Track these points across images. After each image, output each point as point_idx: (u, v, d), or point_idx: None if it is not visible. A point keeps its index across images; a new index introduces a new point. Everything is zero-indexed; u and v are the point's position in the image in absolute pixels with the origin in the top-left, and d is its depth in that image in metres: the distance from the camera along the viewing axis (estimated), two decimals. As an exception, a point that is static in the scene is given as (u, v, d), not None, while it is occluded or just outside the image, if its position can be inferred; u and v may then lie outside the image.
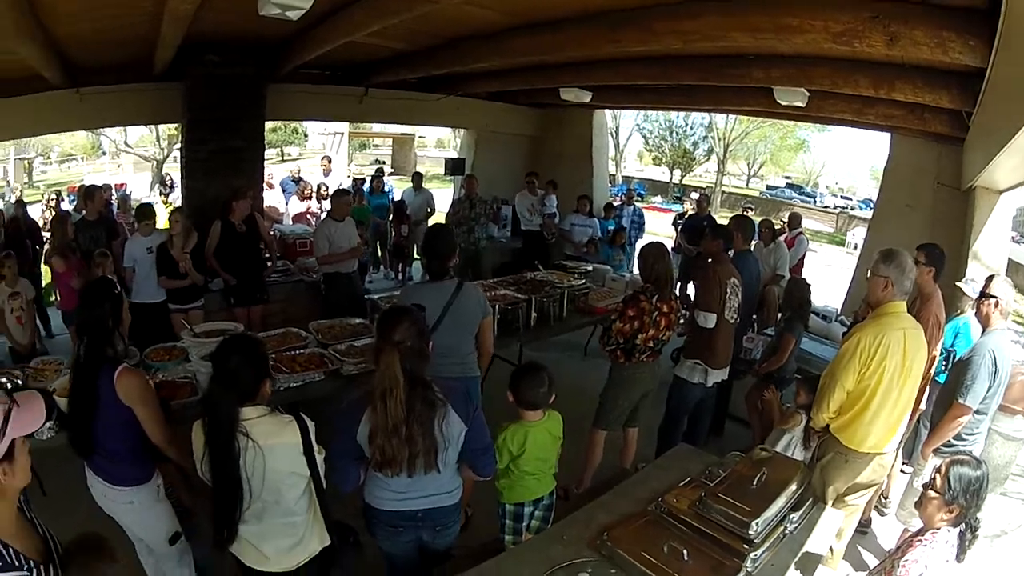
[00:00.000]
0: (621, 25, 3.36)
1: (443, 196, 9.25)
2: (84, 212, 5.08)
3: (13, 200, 8.42)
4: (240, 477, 1.77)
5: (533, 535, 2.37)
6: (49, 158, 26.33)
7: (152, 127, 16.91)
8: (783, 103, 4.16)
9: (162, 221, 4.86)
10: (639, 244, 6.26)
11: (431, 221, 7.54)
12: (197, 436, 1.85)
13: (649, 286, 3.22)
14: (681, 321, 3.52)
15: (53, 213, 6.41)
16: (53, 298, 5.37)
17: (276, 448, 1.80)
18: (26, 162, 23.43)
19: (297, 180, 7.73)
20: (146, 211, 4.63)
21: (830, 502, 2.37)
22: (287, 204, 7.51)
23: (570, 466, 2.86)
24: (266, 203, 6.38)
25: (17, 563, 1.20)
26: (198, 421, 1.89)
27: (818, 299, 4.27)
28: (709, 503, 1.90)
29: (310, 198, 7.29)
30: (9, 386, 2.52)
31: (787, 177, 25.26)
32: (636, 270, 4.16)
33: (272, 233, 5.33)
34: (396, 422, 1.81)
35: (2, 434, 1.20)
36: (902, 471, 3.24)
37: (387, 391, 1.82)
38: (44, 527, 1.39)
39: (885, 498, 3.30)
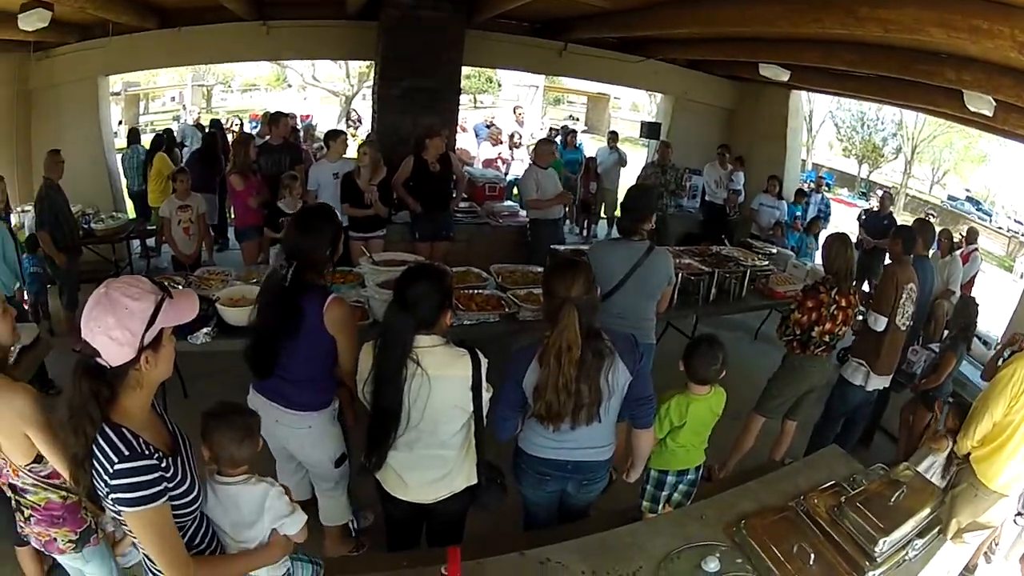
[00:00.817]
0: (826, 5, 5.22)
1: (635, 159, 14.64)
2: (268, 136, 8.72)
3: (191, 122, 14.29)
4: (401, 404, 2.90)
5: (673, 508, 3.70)
6: (230, 86, 39.41)
7: (341, 64, 26.53)
8: (972, 109, 6.03)
9: (349, 153, 8.41)
10: (823, 235, 8.66)
11: (621, 181, 11.91)
12: (365, 358, 3.04)
13: (830, 277, 4.84)
14: (858, 318, 5.26)
15: (235, 135, 10.97)
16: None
17: (445, 379, 2.90)
18: (205, 89, 35.68)
19: (490, 126, 12.45)
20: (337, 134, 8.01)
21: (950, 535, 3.36)
22: (479, 148, 12.30)
23: (717, 446, 4.18)
24: (458, 146, 10.44)
25: (147, 452, 2.02)
26: (368, 343, 3.08)
27: (981, 323, 5.93)
28: (846, 510, 2.87)
29: (501, 143, 11.71)
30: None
31: (967, 190, 33.53)
32: (819, 260, 6.31)
33: (464, 175, 8.71)
34: (567, 380, 2.92)
35: (151, 322, 2.00)
36: (1015, 521, 4.46)
37: (563, 350, 2.90)
38: (173, 423, 2.32)
39: (996, 544, 4.58)
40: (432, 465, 3.11)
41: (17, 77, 9.84)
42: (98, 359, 1.99)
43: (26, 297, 6.99)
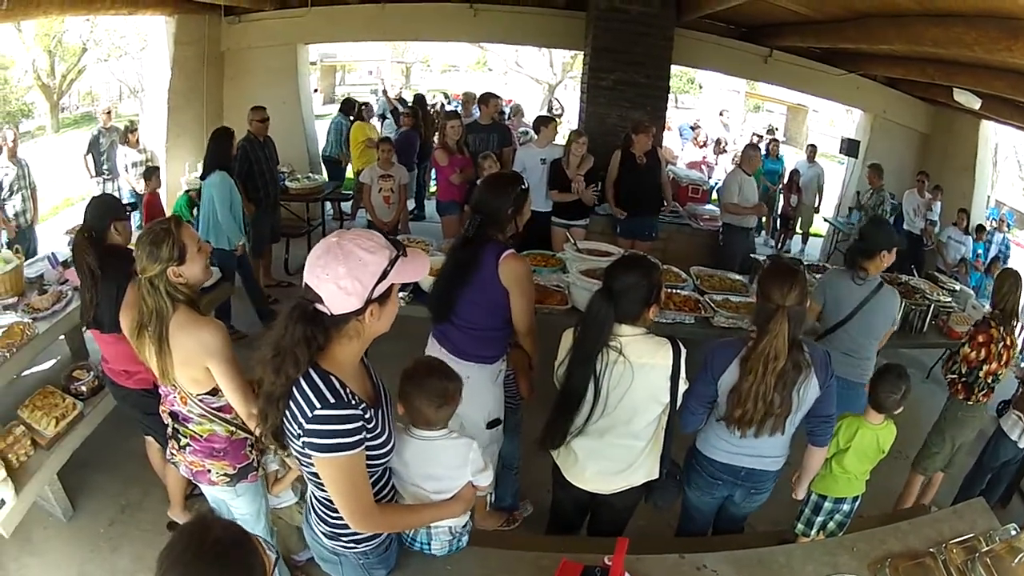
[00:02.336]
0: (1015, 32, 5.17)
1: (833, 174, 14.70)
2: (478, 115, 9.34)
3: (382, 98, 15.54)
4: (587, 390, 3.10)
5: (826, 536, 3.87)
6: (429, 66, 42.54)
7: (545, 52, 27.79)
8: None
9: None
10: (1000, 277, 8.37)
11: (817, 199, 12.35)
12: (565, 342, 3.25)
13: (998, 313, 4.84)
14: (1021, 365, 5.40)
15: (437, 112, 12.09)
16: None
17: (647, 367, 3.06)
18: (405, 66, 38.69)
19: (694, 128, 11.77)
20: (547, 120, 8.53)
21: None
22: (683, 148, 12.87)
23: (869, 485, 4.11)
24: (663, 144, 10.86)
25: (352, 402, 2.22)
26: (570, 329, 3.27)
27: None
28: (976, 566, 2.98)
29: (705, 147, 10.90)
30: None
31: None
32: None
33: (668, 175, 9.12)
34: (767, 389, 3.07)
35: (384, 277, 2.16)
36: None
37: (770, 359, 3.06)
38: (377, 374, 2.54)
39: None
40: (618, 455, 3.27)
41: (207, 37, 10.96)
42: (318, 305, 2.15)
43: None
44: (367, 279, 2.11)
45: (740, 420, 3.17)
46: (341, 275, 2.08)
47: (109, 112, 11.08)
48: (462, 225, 7.72)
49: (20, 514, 4.29)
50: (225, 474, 3.32)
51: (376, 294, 2.15)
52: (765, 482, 3.53)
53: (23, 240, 8.50)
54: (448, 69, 43.88)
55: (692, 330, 5.32)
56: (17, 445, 4.42)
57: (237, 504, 3.49)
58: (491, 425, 4.04)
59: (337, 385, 2.18)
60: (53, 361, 6.48)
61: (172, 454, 3.43)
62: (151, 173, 8.69)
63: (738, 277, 6.11)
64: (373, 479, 2.41)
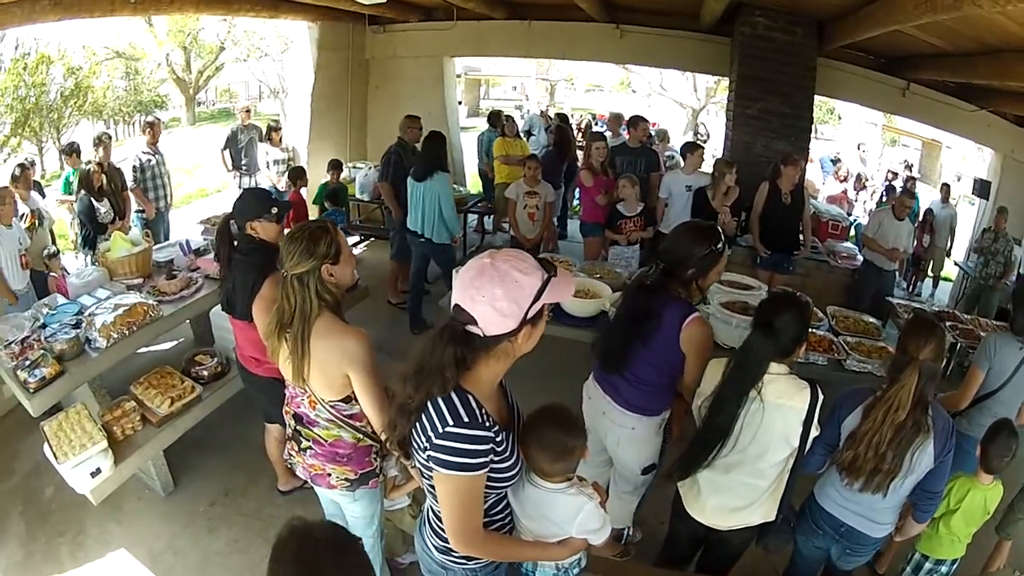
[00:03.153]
0: None
1: (965, 215, 14.43)
2: (626, 137, 9.51)
3: (538, 112, 15.84)
4: (733, 428, 3.13)
5: None
6: (573, 84, 44.05)
7: (689, 76, 27.90)
8: None
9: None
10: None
11: (949, 241, 12.18)
12: (711, 373, 3.31)
13: None
14: None
15: (582, 132, 11.24)
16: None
17: (782, 408, 3.10)
18: (549, 83, 39.71)
19: (835, 161, 11.54)
20: (695, 147, 8.76)
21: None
22: (823, 182, 12.77)
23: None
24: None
25: (487, 423, 2.27)
26: (716, 359, 3.37)
27: None
28: None
29: (846, 181, 10.61)
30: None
31: None
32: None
33: (810, 209, 9.13)
34: (881, 439, 3.11)
35: (538, 298, 2.21)
36: None
37: (892, 409, 3.10)
38: (513, 396, 2.59)
39: None
40: (740, 494, 3.33)
41: (352, 45, 11.67)
42: (470, 326, 2.21)
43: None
44: (523, 300, 2.17)
45: (850, 466, 3.20)
46: (498, 297, 2.15)
47: (248, 110, 11.75)
48: (603, 247, 7.97)
49: (115, 484, 4.60)
50: (346, 479, 3.41)
51: (531, 315, 2.20)
52: (865, 546, 3.54)
53: (158, 225, 9.13)
54: (592, 88, 45.02)
55: (823, 371, 5.26)
56: (125, 419, 4.75)
57: (352, 508, 3.61)
58: (646, 471, 4.13)
59: (474, 405, 2.25)
60: (173, 343, 6.97)
61: (290, 455, 3.56)
62: (298, 174, 9.36)
63: (873, 320, 6.02)
64: (492, 501, 2.51)
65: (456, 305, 2.23)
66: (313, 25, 11.07)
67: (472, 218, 11.66)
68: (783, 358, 3.15)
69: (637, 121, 9.40)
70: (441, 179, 7.42)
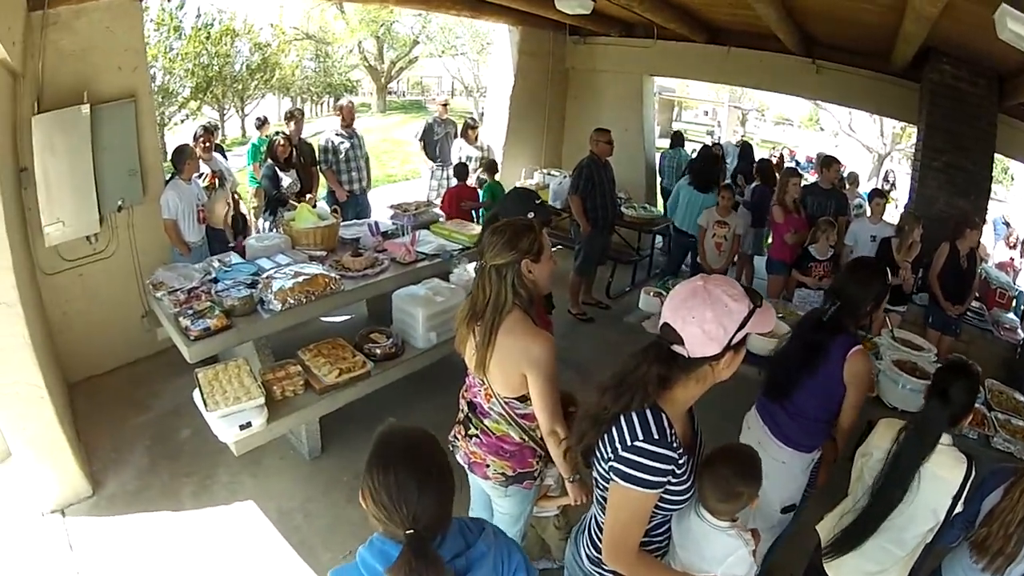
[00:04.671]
0: None
1: None
2: (819, 178, 9.48)
3: (734, 142, 16.69)
4: (901, 501, 3.16)
5: None
6: (763, 115, 43.75)
7: (876, 119, 27.97)
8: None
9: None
10: None
11: None
12: (882, 434, 3.38)
13: None
14: None
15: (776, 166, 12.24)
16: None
17: (938, 480, 3.13)
18: (741, 112, 40.15)
19: (1007, 224, 10.87)
20: (880, 195, 8.84)
21: None
22: (994, 246, 12.34)
23: None
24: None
25: (674, 444, 2.35)
26: (886, 420, 3.45)
27: None
28: None
29: (1015, 248, 10.31)
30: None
31: None
32: None
33: (981, 273, 9.07)
34: (1014, 519, 3.05)
35: (743, 325, 2.30)
36: None
37: None
38: (698, 423, 2.68)
39: None
40: (878, 558, 3.33)
41: (552, 53, 12.00)
42: (675, 346, 2.31)
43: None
44: (730, 326, 2.25)
45: (981, 544, 3.14)
46: (708, 319, 2.24)
47: (446, 104, 12.09)
48: (786, 287, 8.07)
49: (261, 440, 4.95)
50: (503, 474, 3.52)
51: (735, 341, 2.29)
52: None
53: (355, 206, 9.64)
54: (781, 122, 44.36)
55: (971, 445, 5.05)
56: (287, 381, 5.11)
57: (501, 503, 3.72)
58: (786, 511, 4.15)
59: (666, 424, 2.33)
60: (344, 318, 7.44)
61: (455, 437, 3.69)
62: (491, 167, 10.00)
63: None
64: (657, 522, 2.58)
65: (665, 324, 2.34)
66: (514, 29, 11.42)
67: (659, 238, 11.74)
68: (950, 427, 3.19)
69: (830, 162, 9.40)
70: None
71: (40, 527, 5.09)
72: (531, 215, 4.43)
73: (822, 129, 39.83)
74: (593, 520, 2.72)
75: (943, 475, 3.10)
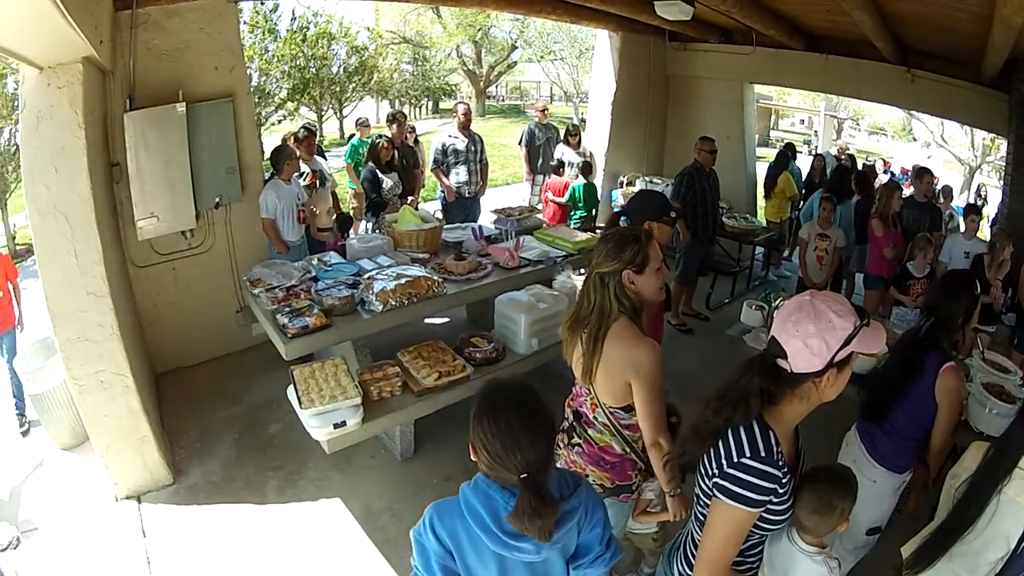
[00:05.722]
0: None
1: None
2: (913, 191, 9.29)
3: (833, 151, 16.05)
4: (980, 519, 3.00)
5: None
6: (858, 124, 43.46)
7: (967, 129, 27.58)
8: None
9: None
10: None
11: None
12: (972, 459, 3.17)
13: None
14: None
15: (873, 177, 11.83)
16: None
17: (1015, 506, 2.97)
18: (836, 121, 39.70)
19: None
20: (976, 210, 8.91)
21: None
22: None
23: None
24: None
25: (780, 463, 2.31)
26: (977, 442, 3.22)
27: None
28: None
29: None
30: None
31: None
32: None
33: None
34: None
35: (847, 343, 2.25)
36: None
37: None
38: (801, 442, 2.64)
39: None
40: None
41: (652, 59, 11.88)
42: (780, 360, 2.31)
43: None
44: (833, 342, 2.22)
45: None
46: (811, 334, 2.23)
47: (545, 109, 12.16)
48: (882, 303, 7.98)
49: (354, 440, 4.90)
50: (601, 485, 3.49)
51: (838, 359, 2.24)
52: None
53: (466, 208, 9.69)
54: (875, 132, 43.61)
55: None
56: (385, 382, 5.07)
57: None
58: (871, 532, 4.11)
59: (773, 442, 2.30)
60: (443, 321, 7.42)
61: (558, 445, 3.62)
62: (587, 169, 10.03)
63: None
64: (753, 542, 2.53)
65: (773, 337, 2.34)
66: (615, 35, 11.38)
67: (759, 250, 11.58)
68: None
69: (923, 174, 9.14)
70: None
71: (114, 512, 5.23)
72: (672, 214, 4.49)
73: (914, 139, 39.67)
74: (689, 538, 2.71)
75: (1021, 501, 2.94)
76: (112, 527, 5.11)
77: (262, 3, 23.73)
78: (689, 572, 2.60)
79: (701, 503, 2.49)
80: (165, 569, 4.75)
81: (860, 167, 12.98)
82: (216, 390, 6.83)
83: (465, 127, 9.65)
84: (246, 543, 4.92)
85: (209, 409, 6.47)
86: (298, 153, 7.94)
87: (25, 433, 6.48)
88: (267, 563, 4.78)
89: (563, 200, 9.98)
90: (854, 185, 10.12)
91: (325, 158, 9.74)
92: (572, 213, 10.00)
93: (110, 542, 4.95)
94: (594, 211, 10.37)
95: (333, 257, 6.33)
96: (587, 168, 10.11)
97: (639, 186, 11.33)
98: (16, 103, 15.48)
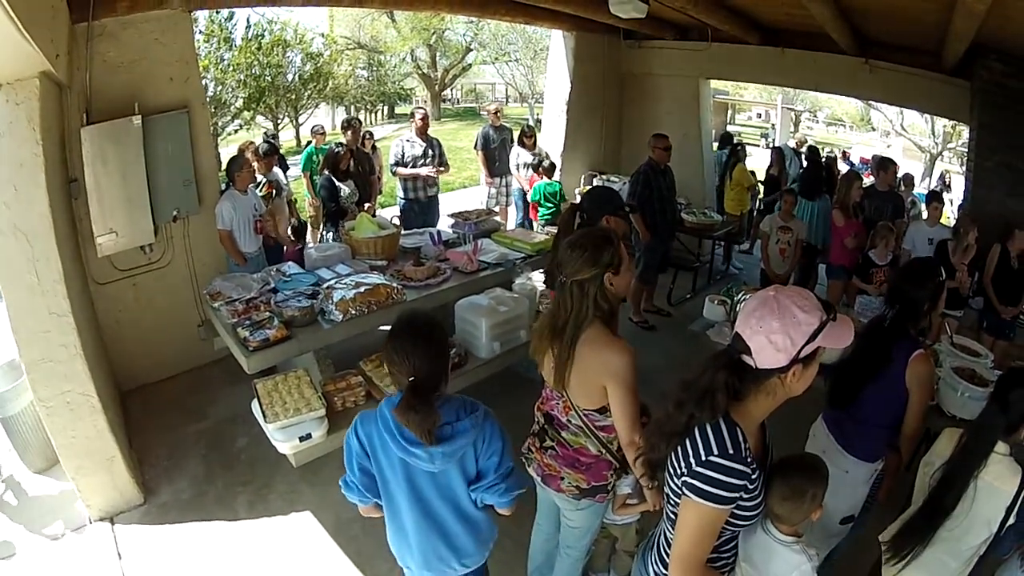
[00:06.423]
0: None
1: None
2: (875, 180, 9.45)
3: (792, 144, 16.40)
4: (956, 507, 3.16)
5: None
6: (815, 116, 43.67)
7: (927, 118, 28.02)
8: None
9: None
10: None
11: None
12: (944, 444, 3.38)
13: None
14: None
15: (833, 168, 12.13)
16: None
17: (993, 492, 3.12)
18: (793, 114, 39.94)
19: None
20: (937, 198, 8.87)
21: None
22: None
23: None
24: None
25: (748, 459, 2.33)
26: (950, 430, 3.43)
27: None
28: None
29: None
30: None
31: None
32: None
33: None
34: None
35: (813, 338, 2.27)
36: None
37: None
38: (769, 437, 2.68)
39: None
40: (934, 569, 3.27)
41: (606, 56, 11.93)
42: (744, 356, 2.31)
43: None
44: (798, 337, 2.23)
45: None
46: (774, 329, 2.23)
47: (498, 112, 12.06)
48: (844, 293, 8.07)
49: (321, 452, 4.94)
50: (577, 487, 3.50)
51: (803, 354, 2.25)
52: None
53: (425, 213, 9.69)
54: (833, 123, 44.24)
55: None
56: (348, 392, 5.06)
57: (572, 517, 3.72)
58: (844, 521, 4.11)
59: (740, 438, 2.30)
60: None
61: (529, 450, 3.72)
62: (550, 169, 9.97)
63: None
64: (726, 538, 2.55)
65: (736, 333, 2.35)
66: (569, 34, 11.40)
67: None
68: (1007, 436, 3.14)
69: (887, 164, 9.27)
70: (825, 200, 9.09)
71: (88, 534, 5.18)
72: (626, 208, 4.65)
73: (873, 129, 40.18)
74: (662, 536, 2.71)
75: (998, 485, 3.07)
76: (87, 549, 5.06)
77: (217, 12, 23.52)
78: (664, 571, 2.61)
79: (672, 502, 2.49)
80: (142, 590, 4.76)
81: (823, 161, 13.09)
82: (182, 406, 6.79)
83: (423, 132, 9.67)
84: (219, 560, 4.90)
85: (176, 425, 6.43)
86: (254, 164, 7.91)
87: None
88: (239, 579, 4.80)
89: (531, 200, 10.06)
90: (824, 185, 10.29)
91: (288, 167, 9.71)
92: (539, 211, 10.03)
93: (86, 565, 4.91)
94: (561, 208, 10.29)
95: (291, 267, 6.31)
96: (551, 168, 10.09)
97: (595, 185, 11.27)
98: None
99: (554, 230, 6.76)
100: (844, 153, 28.28)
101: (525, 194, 10.62)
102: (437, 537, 3.06)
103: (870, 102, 26.76)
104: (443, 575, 3.21)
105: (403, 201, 9.86)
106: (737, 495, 2.29)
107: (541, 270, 6.64)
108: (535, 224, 9.92)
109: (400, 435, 2.74)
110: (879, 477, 4.15)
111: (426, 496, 2.96)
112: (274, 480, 5.65)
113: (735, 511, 2.36)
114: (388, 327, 6.87)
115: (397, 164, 9.57)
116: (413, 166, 9.54)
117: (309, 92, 29.91)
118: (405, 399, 2.64)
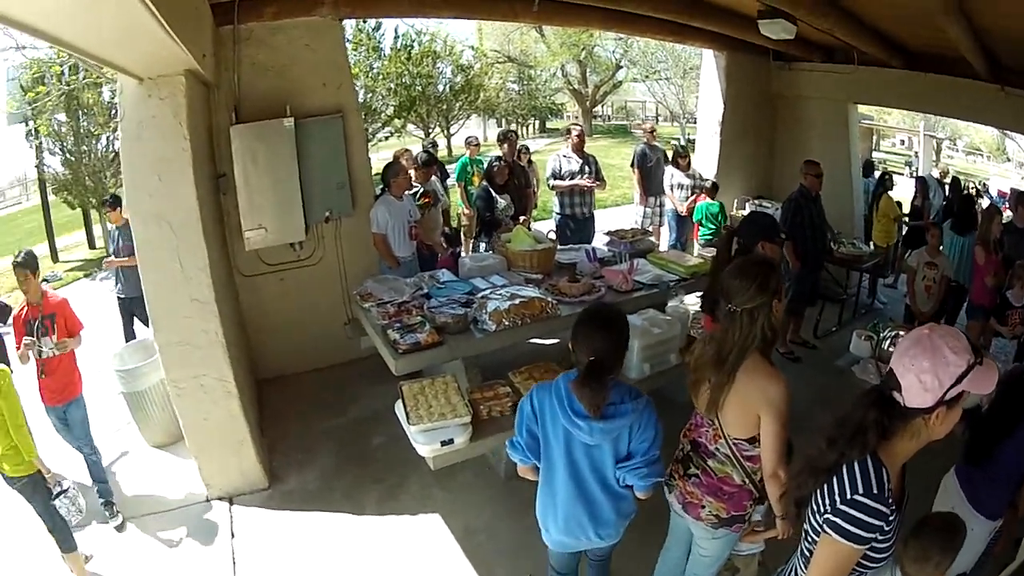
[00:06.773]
0: None
1: None
2: (1014, 216, 8.92)
3: (935, 174, 16.12)
4: None
5: None
6: (955, 145, 42.00)
7: None
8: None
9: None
10: None
11: None
12: None
13: None
14: None
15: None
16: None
17: None
18: (935, 141, 38.53)
19: None
20: None
21: None
22: None
23: None
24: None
25: (890, 500, 2.28)
26: None
27: None
28: None
29: None
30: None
31: None
32: None
33: None
34: None
35: (959, 381, 2.21)
36: None
37: None
38: (907, 479, 2.58)
39: None
40: None
41: (757, 78, 11.74)
42: (895, 393, 2.29)
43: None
44: (945, 379, 2.18)
45: None
46: (924, 368, 2.19)
47: (653, 130, 12.12)
48: (982, 334, 7.63)
49: (460, 458, 4.86)
50: (716, 515, 3.48)
51: (948, 396, 2.20)
52: None
53: (581, 230, 9.69)
54: (972, 152, 42.49)
55: None
56: (495, 401, 5.00)
57: (707, 545, 3.68)
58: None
59: (885, 479, 2.27)
60: (553, 342, 7.32)
61: (672, 476, 3.68)
62: (715, 190, 10.15)
63: None
64: None
65: (890, 369, 2.32)
66: (719, 54, 11.29)
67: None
68: None
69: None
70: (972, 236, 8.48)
71: (203, 511, 5.43)
72: (782, 235, 4.48)
73: (1008, 159, 38.46)
74: (793, 573, 2.72)
75: None
76: (201, 525, 5.29)
77: (364, 22, 24.23)
78: None
79: (809, 539, 2.48)
80: (250, 570, 4.88)
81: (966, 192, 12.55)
82: (320, 400, 6.98)
83: (579, 148, 9.69)
84: (337, 551, 5.04)
85: (311, 418, 6.62)
86: (411, 172, 8.04)
87: (120, 528, 5.65)
88: (355, 573, 4.86)
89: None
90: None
91: (448, 175, 9.85)
92: (700, 231, 9.99)
93: (198, 539, 5.15)
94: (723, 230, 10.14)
95: (445, 275, 6.36)
96: (714, 188, 10.14)
97: (749, 210, 11.10)
98: (113, 112, 16.05)
99: (712, 252, 6.71)
100: (984, 185, 27.09)
101: (679, 215, 10.56)
102: (582, 505, 3.40)
103: (1005, 131, 25.92)
104: (578, 543, 3.61)
105: (559, 216, 9.86)
106: (874, 536, 2.26)
107: (696, 293, 6.51)
108: (695, 244, 9.90)
109: (570, 406, 3.14)
110: (996, 533, 4.07)
111: (580, 466, 3.32)
112: (408, 481, 5.72)
113: (868, 551, 2.33)
114: (540, 340, 6.77)
115: (554, 177, 9.57)
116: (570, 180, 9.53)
117: (460, 103, 30.48)
118: (583, 375, 3.07)
